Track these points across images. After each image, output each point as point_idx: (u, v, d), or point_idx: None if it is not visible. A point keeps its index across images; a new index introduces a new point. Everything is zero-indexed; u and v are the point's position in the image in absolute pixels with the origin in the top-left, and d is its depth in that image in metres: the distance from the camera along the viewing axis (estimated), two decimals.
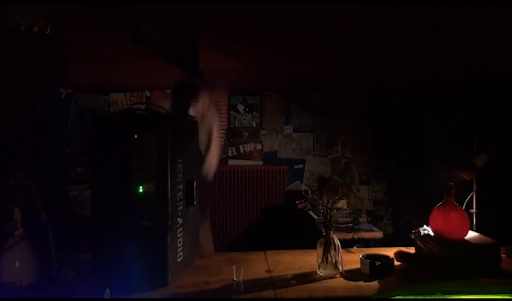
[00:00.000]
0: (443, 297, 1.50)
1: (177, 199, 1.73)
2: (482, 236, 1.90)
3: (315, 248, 1.82)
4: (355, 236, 3.22)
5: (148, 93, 4.47)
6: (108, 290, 1.44)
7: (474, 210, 2.27)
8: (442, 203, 1.89)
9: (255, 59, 3.01)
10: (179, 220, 1.75)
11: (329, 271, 1.77)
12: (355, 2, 1.85)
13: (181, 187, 1.77)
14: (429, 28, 2.29)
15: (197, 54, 2.80)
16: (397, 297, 1.52)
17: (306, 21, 2.15)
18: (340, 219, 3.41)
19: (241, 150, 4.54)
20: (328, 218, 1.79)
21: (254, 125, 4.55)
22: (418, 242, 1.97)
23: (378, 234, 3.46)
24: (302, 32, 2.34)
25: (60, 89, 4.30)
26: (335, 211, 1.80)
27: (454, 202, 1.87)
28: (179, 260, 1.75)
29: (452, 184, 1.88)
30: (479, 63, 3.00)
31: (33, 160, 4.05)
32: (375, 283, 1.67)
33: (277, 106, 4.60)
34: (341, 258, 1.78)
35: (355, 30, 2.30)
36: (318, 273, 1.78)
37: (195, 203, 1.89)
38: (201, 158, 2.44)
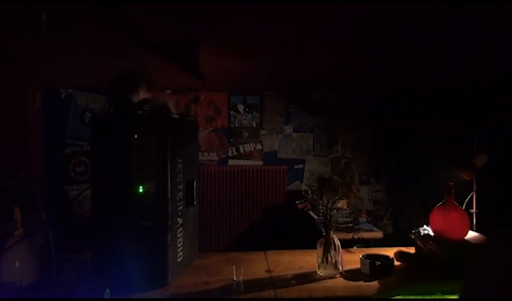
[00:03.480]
0: (443, 297, 1.50)
1: (177, 199, 1.73)
2: (482, 236, 1.91)
3: (315, 248, 1.82)
4: (355, 236, 3.22)
5: None
6: (108, 290, 1.44)
7: (474, 210, 2.27)
8: (442, 203, 1.89)
9: (255, 59, 3.00)
10: (179, 220, 1.75)
11: (329, 271, 1.77)
12: (356, 2, 1.85)
13: (181, 187, 1.77)
14: (429, 28, 2.29)
15: (197, 54, 2.80)
16: (397, 297, 1.52)
17: (306, 22, 2.15)
18: (340, 219, 3.40)
19: (241, 150, 4.54)
20: (328, 218, 1.79)
21: (254, 125, 4.55)
22: (418, 242, 1.97)
23: (378, 234, 3.46)
24: (302, 32, 2.34)
25: (60, 89, 4.29)
26: (335, 211, 1.80)
27: (454, 202, 1.87)
28: (179, 260, 1.75)
29: (452, 184, 1.88)
30: (480, 63, 2.99)
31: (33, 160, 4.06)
32: (375, 283, 1.67)
33: (277, 106, 4.60)
34: (341, 258, 1.78)
35: (355, 31, 2.30)
36: (318, 273, 1.78)
37: (195, 203, 1.89)
38: None
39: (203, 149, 4.44)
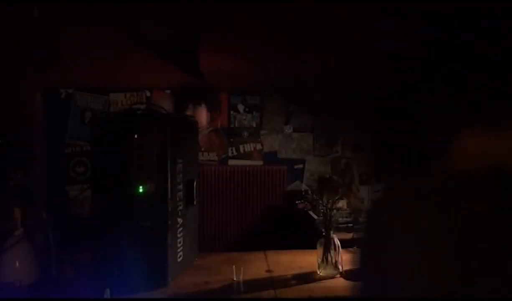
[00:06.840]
0: None
1: (177, 199, 1.73)
2: None
3: (315, 248, 1.82)
4: (355, 236, 3.22)
5: (148, 93, 4.47)
6: (108, 290, 1.45)
7: None
8: None
9: (255, 59, 3.01)
10: (179, 220, 1.75)
11: (329, 271, 1.77)
12: (357, 2, 1.86)
13: (181, 186, 1.77)
14: (430, 27, 2.29)
15: (197, 54, 2.80)
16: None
17: (307, 21, 2.15)
18: (340, 219, 3.40)
19: (241, 150, 4.54)
20: (328, 218, 1.79)
21: (254, 125, 4.54)
22: None
23: None
24: (303, 32, 2.34)
25: (60, 89, 4.29)
26: (335, 211, 1.80)
27: None
28: (179, 260, 1.75)
29: None
30: (480, 62, 3.00)
31: (33, 159, 4.06)
32: None
33: (277, 106, 4.60)
34: (341, 258, 1.78)
35: (356, 31, 2.30)
36: (318, 273, 1.78)
37: (195, 203, 1.89)
38: None
39: (203, 149, 4.44)
